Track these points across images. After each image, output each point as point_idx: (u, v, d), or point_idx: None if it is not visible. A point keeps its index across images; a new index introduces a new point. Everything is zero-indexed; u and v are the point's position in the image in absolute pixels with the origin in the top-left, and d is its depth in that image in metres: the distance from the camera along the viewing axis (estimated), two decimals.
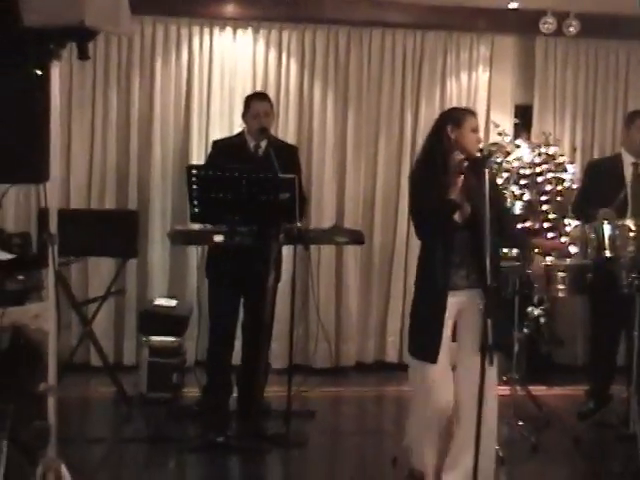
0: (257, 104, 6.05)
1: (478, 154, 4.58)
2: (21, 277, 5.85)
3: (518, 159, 7.77)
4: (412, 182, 4.68)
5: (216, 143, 6.26)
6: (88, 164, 7.60)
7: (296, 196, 5.34)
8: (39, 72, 3.40)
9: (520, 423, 5.94)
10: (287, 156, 5.94)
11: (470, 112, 4.74)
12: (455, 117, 4.66)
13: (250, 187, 5.28)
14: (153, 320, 6.72)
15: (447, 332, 4.54)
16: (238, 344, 6.13)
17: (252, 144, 6.03)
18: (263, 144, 6.01)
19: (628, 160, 6.29)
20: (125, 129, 7.63)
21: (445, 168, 4.51)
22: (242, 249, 5.47)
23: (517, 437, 5.85)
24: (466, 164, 4.46)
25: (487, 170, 4.22)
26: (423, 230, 4.58)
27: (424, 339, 4.51)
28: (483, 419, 4.29)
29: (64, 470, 3.61)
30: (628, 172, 6.26)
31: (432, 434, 4.68)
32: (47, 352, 6.01)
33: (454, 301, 4.52)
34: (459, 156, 4.52)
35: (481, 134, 7.64)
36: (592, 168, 6.66)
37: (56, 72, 3.38)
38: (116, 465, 5.35)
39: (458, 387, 4.60)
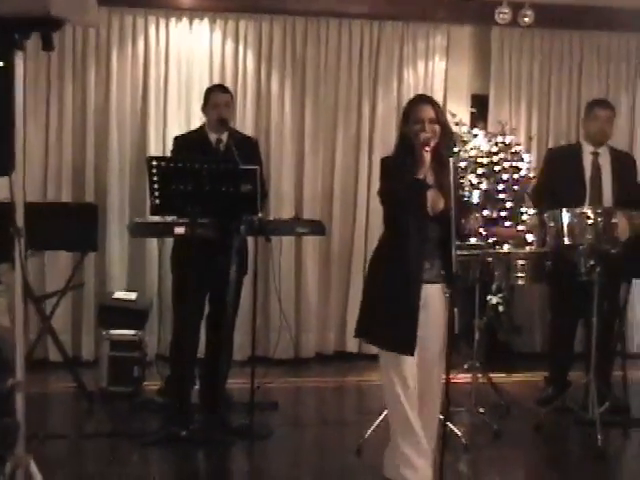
0: (217, 95, 6.02)
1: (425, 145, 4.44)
2: None
3: (475, 148, 7.83)
4: (383, 166, 4.63)
5: (177, 139, 6.19)
6: (43, 157, 7.52)
7: (258, 187, 5.33)
8: (1, 63, 3.34)
9: (481, 410, 5.99)
10: (248, 149, 5.92)
11: (416, 101, 4.61)
12: (404, 110, 4.63)
13: (211, 179, 5.25)
14: (113, 314, 6.67)
15: None
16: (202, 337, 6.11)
17: (213, 138, 5.99)
18: (224, 137, 5.97)
19: (588, 149, 6.36)
20: (81, 121, 7.56)
21: (414, 157, 4.47)
22: (206, 241, 5.43)
23: (479, 424, 5.90)
24: (427, 148, 4.40)
25: (452, 160, 4.21)
26: (394, 215, 4.53)
27: (400, 332, 4.44)
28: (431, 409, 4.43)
29: (33, 467, 3.57)
30: (587, 161, 6.33)
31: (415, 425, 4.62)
32: (5, 348, 5.97)
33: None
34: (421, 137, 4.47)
35: None
36: (551, 156, 6.69)
37: (20, 63, 3.33)
38: (79, 461, 5.30)
39: (420, 375, 4.58)
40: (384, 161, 4.64)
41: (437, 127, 4.45)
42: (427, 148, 4.35)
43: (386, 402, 4.54)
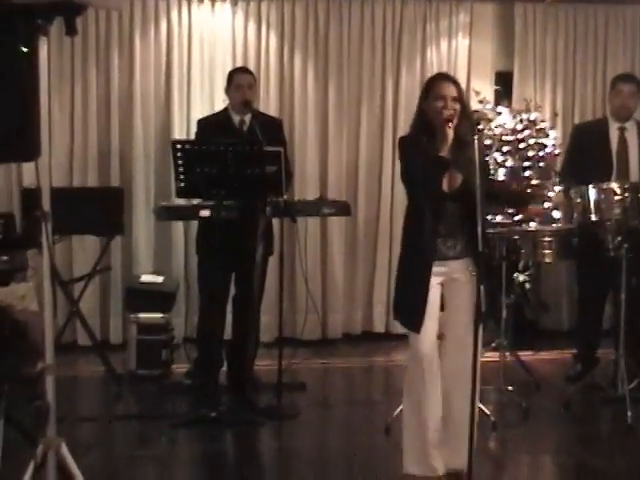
0: (240, 76, 6.03)
1: (448, 122, 4.43)
2: (5, 258, 5.84)
3: (500, 126, 7.78)
4: (402, 145, 4.63)
5: (200, 122, 6.21)
6: (69, 142, 7.55)
7: (282, 169, 5.33)
8: (25, 49, 3.36)
9: (510, 388, 5.98)
10: (272, 130, 5.92)
11: (439, 78, 4.60)
12: (424, 87, 4.62)
13: (236, 161, 5.26)
14: (140, 297, 6.72)
15: (436, 302, 4.52)
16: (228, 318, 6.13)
17: (237, 120, 6.00)
18: (247, 119, 5.97)
19: (614, 124, 6.33)
20: (105, 105, 7.58)
21: (432, 135, 4.47)
22: (232, 223, 5.45)
23: (508, 402, 5.91)
24: (450, 125, 4.39)
25: (476, 138, 4.18)
26: (413, 194, 4.54)
27: (409, 308, 4.49)
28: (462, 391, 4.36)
29: (64, 448, 3.60)
30: (614, 136, 6.29)
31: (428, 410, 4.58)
32: (34, 332, 6.02)
33: (441, 271, 4.49)
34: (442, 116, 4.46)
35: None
36: (578, 132, 6.68)
37: (44, 48, 3.34)
38: (109, 443, 5.34)
39: (447, 356, 4.58)
40: (403, 140, 4.64)
41: (458, 106, 4.44)
42: (450, 125, 4.34)
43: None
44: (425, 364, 4.46)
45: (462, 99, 4.50)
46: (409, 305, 4.46)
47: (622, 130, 6.28)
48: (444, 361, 4.55)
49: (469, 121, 4.56)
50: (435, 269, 4.43)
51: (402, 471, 4.51)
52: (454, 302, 4.52)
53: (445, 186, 4.39)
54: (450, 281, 4.51)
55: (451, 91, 4.44)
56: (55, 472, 3.68)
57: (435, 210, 4.41)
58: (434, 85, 4.52)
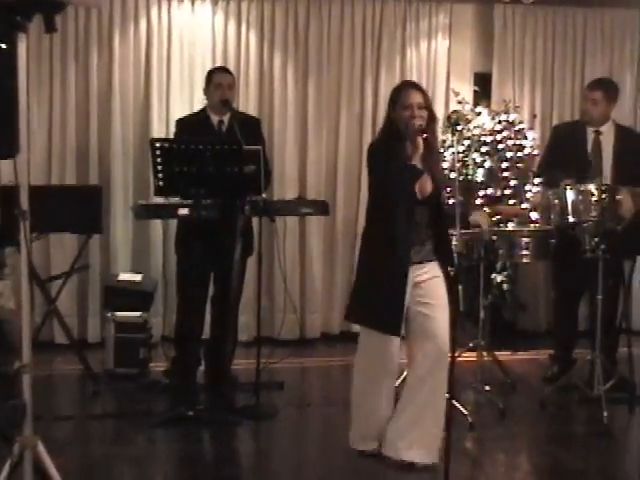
0: (219, 76, 6.02)
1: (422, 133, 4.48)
2: None
3: (478, 127, 7.81)
4: (373, 153, 4.67)
5: (179, 122, 6.19)
6: (47, 140, 7.51)
7: (261, 168, 5.34)
8: (3, 46, 3.34)
9: (487, 388, 6.00)
10: (250, 129, 5.93)
11: (404, 87, 4.68)
12: (391, 97, 4.68)
13: (215, 159, 5.25)
14: (118, 295, 6.69)
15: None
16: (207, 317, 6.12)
17: (215, 120, 6.00)
18: (226, 119, 5.97)
19: (591, 127, 6.37)
20: (84, 103, 7.54)
21: (401, 142, 4.53)
22: (211, 222, 5.44)
23: (485, 402, 5.93)
24: (425, 136, 4.45)
25: (454, 149, 4.24)
26: (384, 203, 4.57)
27: (387, 312, 4.54)
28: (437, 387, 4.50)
29: (41, 447, 3.59)
30: (590, 139, 6.34)
31: (380, 404, 4.76)
32: (11, 331, 5.99)
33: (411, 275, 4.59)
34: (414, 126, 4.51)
35: (440, 103, 7.79)
36: (557, 132, 6.73)
37: (22, 45, 3.33)
38: (86, 441, 5.32)
39: (414, 356, 4.66)
40: (374, 147, 4.68)
41: (425, 113, 4.51)
42: (424, 135, 4.40)
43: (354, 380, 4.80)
44: (387, 364, 4.63)
45: (428, 105, 4.58)
46: (386, 310, 4.52)
47: (597, 133, 6.34)
48: (411, 359, 4.68)
49: (436, 126, 4.67)
50: None
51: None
52: (421, 303, 4.61)
53: (417, 193, 4.45)
54: (419, 280, 4.59)
55: (417, 98, 4.53)
56: (31, 471, 3.66)
57: (407, 217, 4.48)
58: (400, 94, 4.60)
